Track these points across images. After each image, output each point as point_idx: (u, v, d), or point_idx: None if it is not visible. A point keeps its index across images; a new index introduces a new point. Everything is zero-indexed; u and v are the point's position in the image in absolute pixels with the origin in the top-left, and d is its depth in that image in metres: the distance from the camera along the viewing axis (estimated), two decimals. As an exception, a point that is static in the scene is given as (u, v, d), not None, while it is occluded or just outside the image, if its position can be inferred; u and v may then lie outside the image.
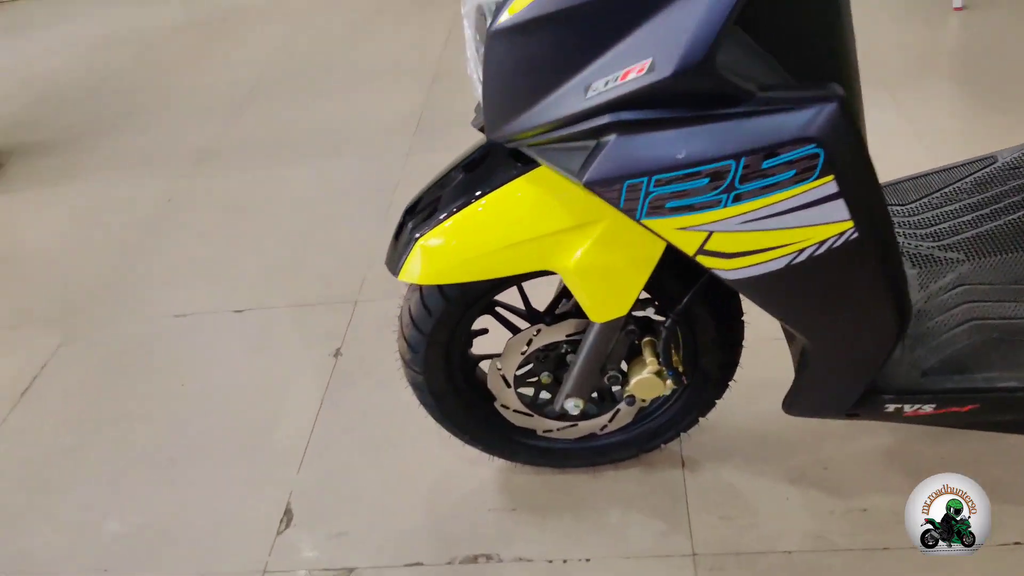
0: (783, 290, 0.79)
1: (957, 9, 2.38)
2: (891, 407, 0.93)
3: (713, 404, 1.18)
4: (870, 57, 2.00)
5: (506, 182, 0.90)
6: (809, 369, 0.91)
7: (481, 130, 0.91)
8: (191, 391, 1.59)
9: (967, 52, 2.22)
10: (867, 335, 0.84)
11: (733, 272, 0.78)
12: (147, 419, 1.53)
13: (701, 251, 0.76)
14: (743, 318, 1.08)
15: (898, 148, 1.82)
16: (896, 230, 1.09)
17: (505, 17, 0.72)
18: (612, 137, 0.72)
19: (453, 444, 1.34)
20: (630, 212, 0.75)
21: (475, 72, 0.87)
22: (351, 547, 1.24)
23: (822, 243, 0.73)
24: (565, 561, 1.17)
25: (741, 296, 0.99)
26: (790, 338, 1.06)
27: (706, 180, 0.70)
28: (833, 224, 0.72)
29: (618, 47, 0.69)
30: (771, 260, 0.75)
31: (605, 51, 0.70)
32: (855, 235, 0.73)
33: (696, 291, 0.99)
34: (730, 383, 1.16)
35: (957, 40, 2.28)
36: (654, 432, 1.21)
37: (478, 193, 0.92)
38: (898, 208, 1.12)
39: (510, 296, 1.11)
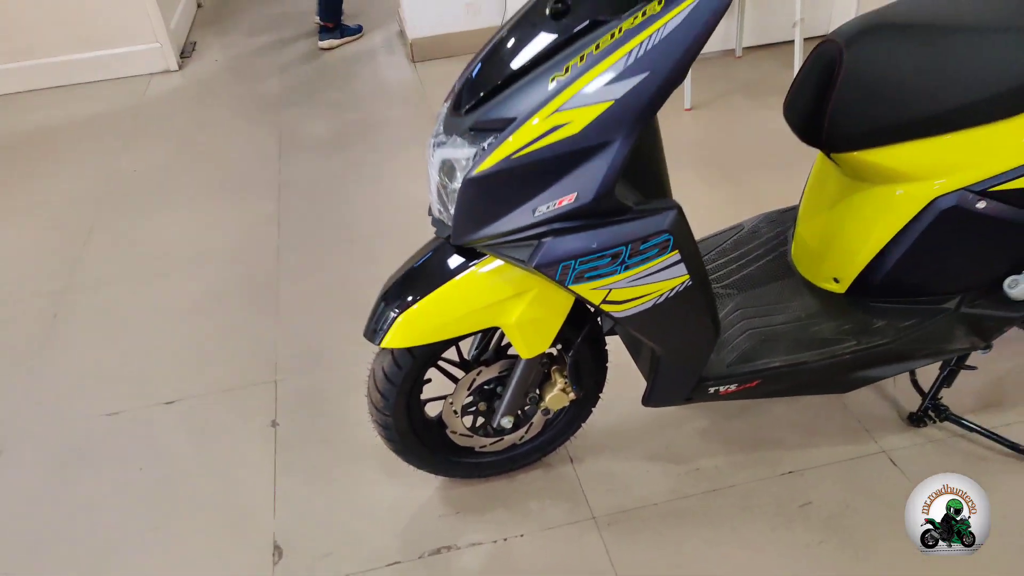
0: (652, 321, 1.30)
1: (687, 110, 3.18)
2: (711, 389, 1.48)
3: (590, 412, 1.68)
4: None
5: (461, 271, 1.35)
6: (661, 372, 1.44)
7: (445, 239, 1.36)
8: (149, 476, 1.81)
9: (701, 147, 2.99)
10: (698, 343, 1.38)
11: (622, 312, 1.28)
12: (113, 504, 1.75)
13: (605, 301, 1.26)
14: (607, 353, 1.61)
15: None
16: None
17: (482, 168, 1.18)
18: (550, 238, 1.21)
19: (399, 475, 1.73)
20: (561, 282, 1.23)
21: (434, 199, 1.32)
22: (340, 561, 1.57)
23: (672, 290, 1.26)
24: (506, 539, 1.59)
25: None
26: (636, 355, 1.58)
27: (608, 259, 1.21)
28: (678, 278, 1.25)
29: (553, 187, 1.18)
30: (644, 303, 1.27)
31: (545, 190, 1.18)
32: (689, 284, 1.27)
33: (584, 335, 1.49)
34: (600, 396, 1.67)
35: (691, 136, 3.05)
36: (553, 438, 1.69)
37: (443, 278, 1.36)
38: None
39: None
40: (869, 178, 1.45)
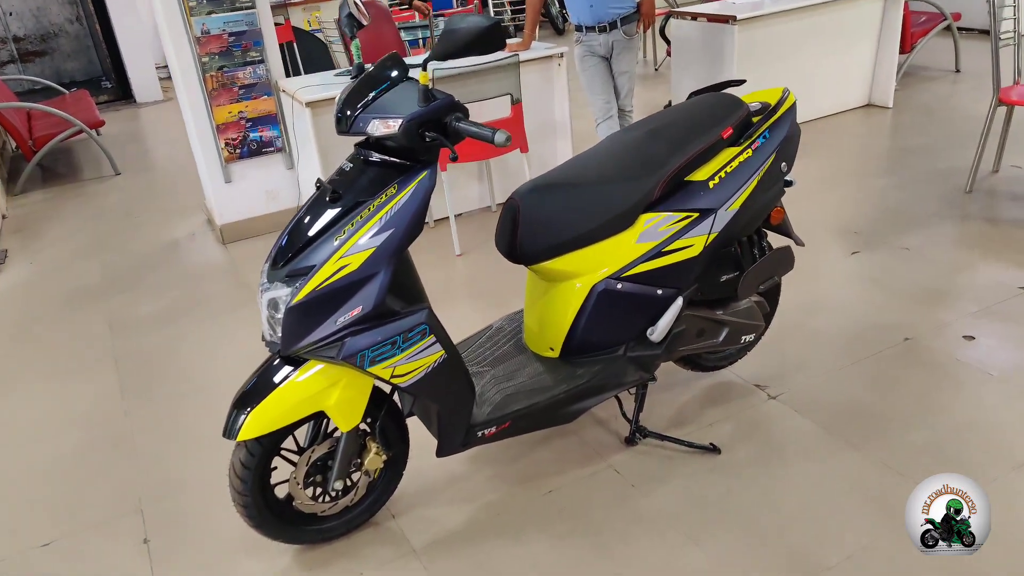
0: (427, 385, 1.96)
1: (458, 255, 4.00)
2: (479, 433, 2.13)
3: (401, 474, 2.27)
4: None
5: (290, 375, 1.94)
6: (443, 427, 2.08)
7: (275, 352, 1.95)
8: (37, 601, 2.15)
9: (470, 279, 3.78)
10: (462, 401, 2.04)
11: (406, 382, 1.93)
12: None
13: (393, 376, 1.91)
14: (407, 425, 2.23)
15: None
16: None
17: (297, 299, 1.82)
18: (349, 338, 1.85)
19: (261, 554, 2.20)
20: (361, 367, 1.87)
21: (266, 327, 1.93)
22: (221, 622, 2.01)
23: (436, 362, 1.94)
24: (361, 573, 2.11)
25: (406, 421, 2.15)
26: (428, 423, 2.22)
27: (389, 346, 1.86)
28: (437, 354, 1.93)
29: (346, 304, 1.83)
30: (419, 373, 1.93)
31: (341, 307, 1.83)
32: (446, 356, 1.95)
33: (385, 410, 2.11)
34: (407, 461, 2.27)
35: (463, 273, 3.85)
36: (378, 498, 2.25)
37: (278, 381, 1.94)
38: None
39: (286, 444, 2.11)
40: (555, 279, 2.24)
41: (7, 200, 5.70)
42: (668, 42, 6.23)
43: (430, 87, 1.81)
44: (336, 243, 1.82)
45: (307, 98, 3.84)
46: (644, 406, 2.46)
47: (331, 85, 4.02)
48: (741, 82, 2.52)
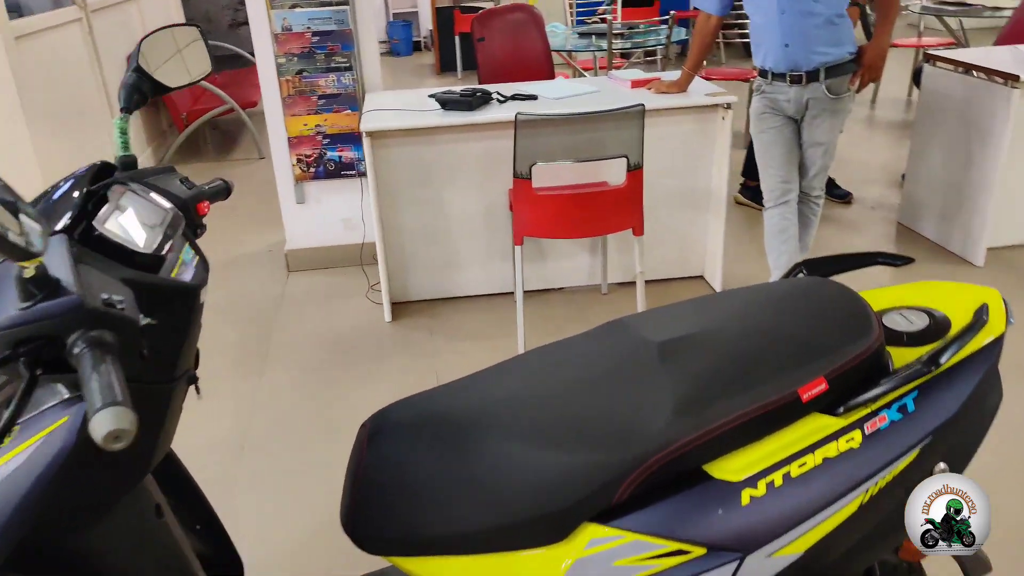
0: None
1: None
2: None
3: None
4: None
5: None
6: None
7: None
8: None
9: None
10: None
11: None
12: None
13: None
14: None
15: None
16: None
17: None
18: None
19: None
20: None
21: None
22: None
23: None
24: None
25: None
26: None
27: None
28: None
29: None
30: None
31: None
32: None
33: None
34: None
35: None
36: None
37: None
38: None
39: None
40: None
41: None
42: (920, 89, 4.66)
43: (34, 272, 0.85)
44: None
45: (366, 125, 3.01)
46: None
47: (408, 112, 3.15)
48: (905, 261, 1.30)
